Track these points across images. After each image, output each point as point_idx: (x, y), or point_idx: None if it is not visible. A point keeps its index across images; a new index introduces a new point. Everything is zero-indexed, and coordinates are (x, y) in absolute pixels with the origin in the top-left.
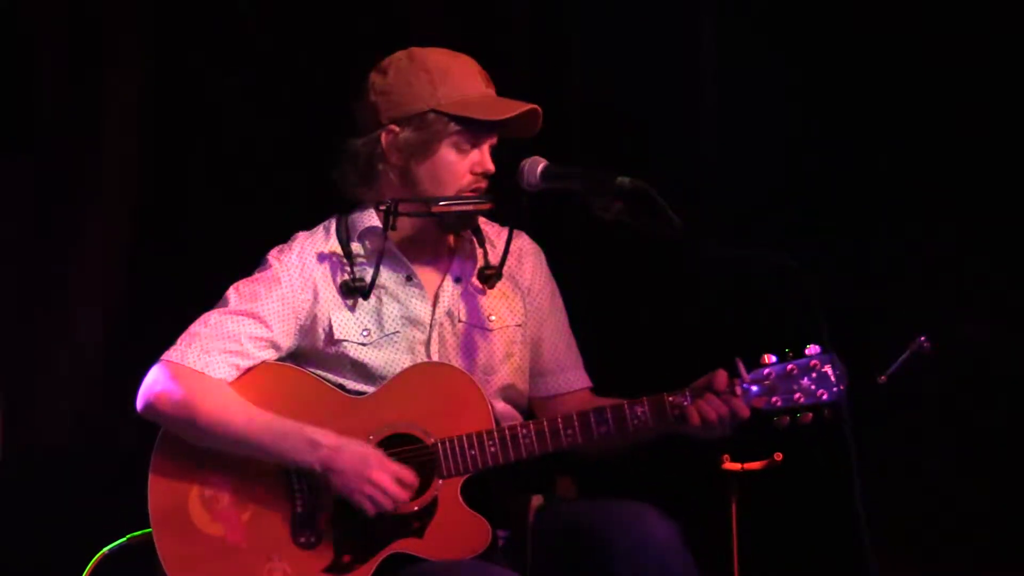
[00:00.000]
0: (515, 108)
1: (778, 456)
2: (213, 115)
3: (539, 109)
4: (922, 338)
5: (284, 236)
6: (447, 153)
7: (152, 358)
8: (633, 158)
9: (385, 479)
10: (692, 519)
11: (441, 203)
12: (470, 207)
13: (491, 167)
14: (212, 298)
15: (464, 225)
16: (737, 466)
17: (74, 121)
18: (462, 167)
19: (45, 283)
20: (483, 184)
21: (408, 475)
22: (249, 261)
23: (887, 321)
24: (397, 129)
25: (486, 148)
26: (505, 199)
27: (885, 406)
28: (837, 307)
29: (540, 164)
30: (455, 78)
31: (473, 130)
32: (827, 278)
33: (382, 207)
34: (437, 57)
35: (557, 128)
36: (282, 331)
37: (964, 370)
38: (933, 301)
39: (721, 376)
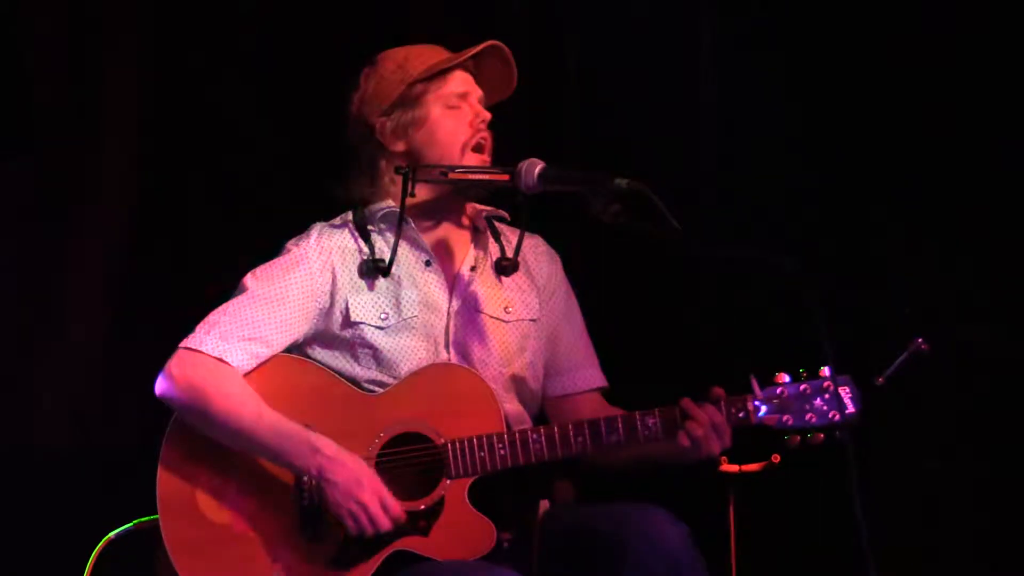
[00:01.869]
0: (479, 46)
1: (775, 458)
2: (213, 115)
3: (503, 47)
4: (919, 339)
5: (284, 236)
6: (438, 114)
7: (152, 358)
8: (632, 159)
9: (373, 502)
10: (690, 521)
11: (458, 170)
12: (486, 177)
13: (486, 114)
14: (212, 298)
15: (481, 189)
16: (735, 468)
17: (74, 121)
18: (458, 122)
19: (45, 283)
20: (485, 134)
21: (395, 506)
22: (249, 260)
23: (886, 321)
24: (386, 119)
25: (474, 100)
26: (503, 201)
27: (884, 407)
28: (836, 308)
29: (538, 166)
30: (420, 54)
31: (452, 84)
32: (826, 279)
33: (400, 171)
34: (399, 49)
35: (555, 129)
36: (301, 314)
37: (964, 370)
38: (933, 301)
39: (718, 391)
